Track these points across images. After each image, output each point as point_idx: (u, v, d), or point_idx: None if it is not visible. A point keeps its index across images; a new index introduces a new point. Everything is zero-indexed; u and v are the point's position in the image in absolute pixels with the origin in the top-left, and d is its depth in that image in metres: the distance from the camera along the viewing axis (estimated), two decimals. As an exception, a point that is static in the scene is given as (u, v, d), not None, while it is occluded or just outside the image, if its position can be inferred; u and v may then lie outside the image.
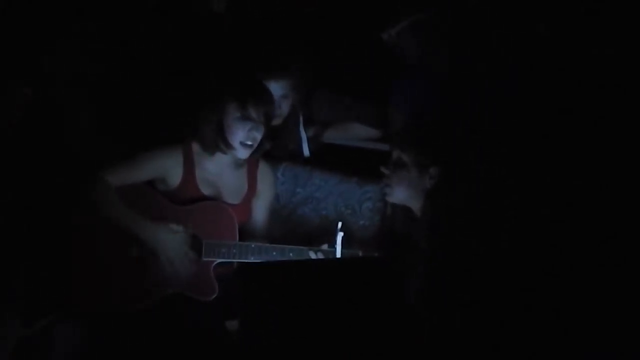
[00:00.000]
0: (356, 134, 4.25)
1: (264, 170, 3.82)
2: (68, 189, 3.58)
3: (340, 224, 3.57)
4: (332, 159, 4.10)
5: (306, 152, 4.15)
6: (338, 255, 3.54)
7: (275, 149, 4.03)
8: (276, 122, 4.02)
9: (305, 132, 4.16)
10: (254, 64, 4.02)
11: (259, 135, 3.64)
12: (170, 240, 3.56)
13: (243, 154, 3.66)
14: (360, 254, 3.62)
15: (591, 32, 3.60)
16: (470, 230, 3.35)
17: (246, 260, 3.56)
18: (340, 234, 3.54)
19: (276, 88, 3.96)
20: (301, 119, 4.14)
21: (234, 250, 3.58)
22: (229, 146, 3.65)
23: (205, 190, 3.68)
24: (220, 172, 3.73)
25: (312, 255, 3.58)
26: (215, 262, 3.58)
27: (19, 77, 3.68)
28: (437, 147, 3.55)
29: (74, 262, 3.56)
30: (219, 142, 3.64)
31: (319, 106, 4.21)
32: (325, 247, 3.60)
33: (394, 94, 4.02)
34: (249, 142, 3.63)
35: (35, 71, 3.78)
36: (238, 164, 3.76)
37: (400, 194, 3.59)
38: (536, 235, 3.31)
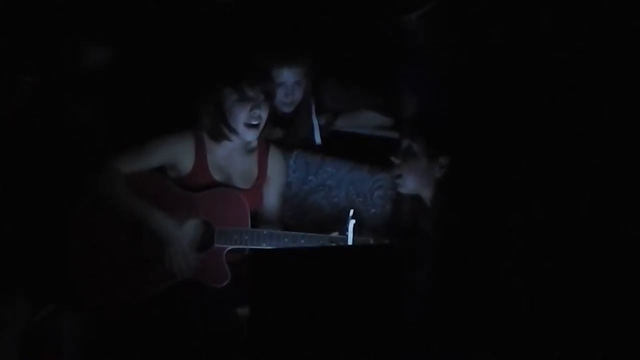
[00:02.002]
0: (367, 121, 4.23)
1: (274, 156, 3.81)
2: (73, 178, 3.58)
3: (352, 211, 3.56)
4: (343, 147, 4.09)
5: (318, 140, 4.14)
6: (349, 242, 3.53)
7: (287, 137, 4.04)
8: (289, 109, 4.03)
9: (317, 121, 4.16)
10: (255, 50, 4.01)
11: (263, 114, 3.63)
12: (177, 237, 3.54)
13: (250, 135, 3.66)
14: (372, 241, 3.61)
15: (598, 22, 3.58)
16: (479, 220, 3.35)
17: (258, 247, 3.56)
18: (352, 221, 3.54)
19: (289, 75, 3.97)
20: (313, 107, 4.13)
21: (246, 237, 3.57)
22: (233, 131, 3.65)
23: (217, 177, 3.68)
24: (231, 157, 3.73)
25: (324, 242, 3.58)
26: (227, 249, 3.58)
27: (22, 66, 3.69)
28: (447, 137, 3.54)
29: (79, 251, 3.56)
30: (222, 129, 3.64)
31: (329, 95, 4.19)
32: (336, 234, 3.60)
33: (403, 83, 4.02)
34: (254, 122, 3.62)
35: (40, 61, 3.78)
36: (248, 149, 3.76)
37: (411, 184, 3.59)
38: (545, 227, 3.31)
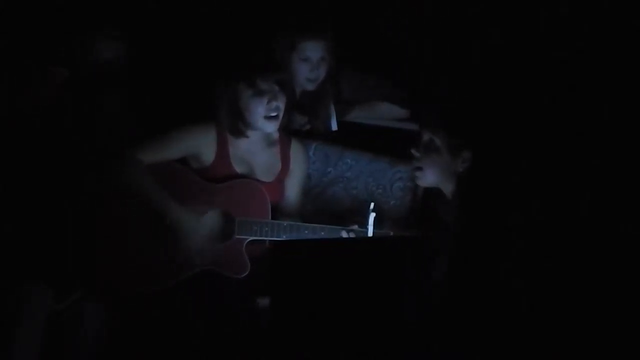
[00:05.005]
0: (384, 113, 4.21)
1: (296, 148, 3.83)
2: (96, 167, 3.63)
3: (372, 205, 3.56)
4: (363, 138, 4.08)
5: (334, 126, 4.14)
6: (370, 235, 3.54)
7: (309, 120, 4.06)
8: (312, 86, 4.04)
9: (334, 107, 4.16)
10: (281, 24, 4.01)
11: (280, 104, 3.64)
12: (193, 229, 3.57)
13: (270, 127, 3.68)
14: (392, 234, 3.61)
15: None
16: (501, 213, 3.34)
17: (278, 239, 3.59)
18: (373, 215, 3.54)
19: (315, 49, 3.97)
20: (332, 92, 4.13)
21: (266, 228, 3.60)
22: (251, 126, 3.67)
23: (239, 168, 3.71)
24: (253, 149, 3.76)
25: (344, 235, 3.59)
26: (248, 240, 3.61)
27: (53, 57, 3.74)
28: (470, 131, 3.52)
29: (100, 240, 3.60)
30: (240, 127, 3.67)
31: (346, 85, 4.19)
32: (356, 227, 3.60)
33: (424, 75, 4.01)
34: (273, 114, 3.64)
35: (70, 53, 3.84)
36: (270, 141, 3.79)
37: (431, 177, 3.56)
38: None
